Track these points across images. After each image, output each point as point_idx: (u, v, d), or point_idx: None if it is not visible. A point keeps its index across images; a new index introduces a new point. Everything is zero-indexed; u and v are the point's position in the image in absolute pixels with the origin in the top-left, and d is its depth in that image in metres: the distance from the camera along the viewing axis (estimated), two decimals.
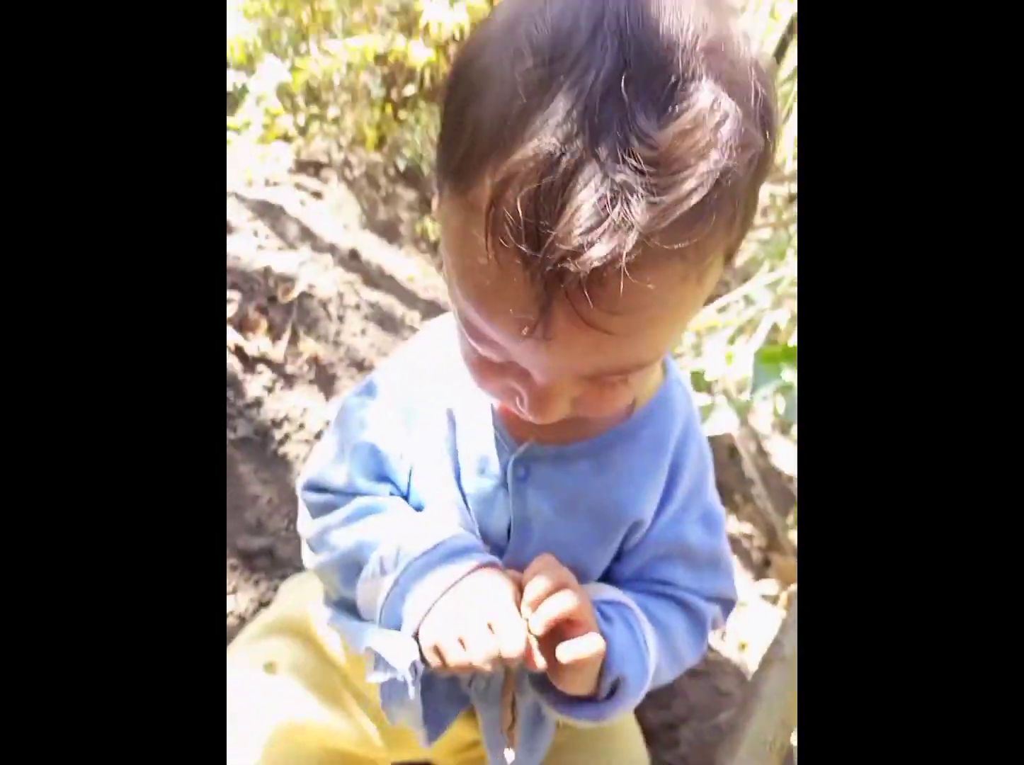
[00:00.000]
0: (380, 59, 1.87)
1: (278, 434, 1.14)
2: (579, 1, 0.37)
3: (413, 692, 0.50)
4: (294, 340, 1.25)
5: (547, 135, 0.35)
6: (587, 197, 0.35)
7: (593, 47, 0.35)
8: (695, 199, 0.36)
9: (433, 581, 0.52)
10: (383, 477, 0.62)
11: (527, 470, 0.57)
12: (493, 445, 0.58)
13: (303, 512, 0.66)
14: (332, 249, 1.53)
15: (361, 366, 1.31)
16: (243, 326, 1.21)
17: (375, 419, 0.61)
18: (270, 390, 1.18)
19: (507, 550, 0.59)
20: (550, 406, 0.46)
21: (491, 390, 0.51)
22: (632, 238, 0.35)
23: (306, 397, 1.21)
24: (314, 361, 1.25)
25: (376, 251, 1.69)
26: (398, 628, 0.53)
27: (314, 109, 2.01)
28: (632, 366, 0.44)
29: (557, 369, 0.44)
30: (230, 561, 0.98)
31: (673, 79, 0.35)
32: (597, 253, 0.35)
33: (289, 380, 1.22)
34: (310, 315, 1.30)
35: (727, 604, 0.66)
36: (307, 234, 1.53)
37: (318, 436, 1.16)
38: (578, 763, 0.71)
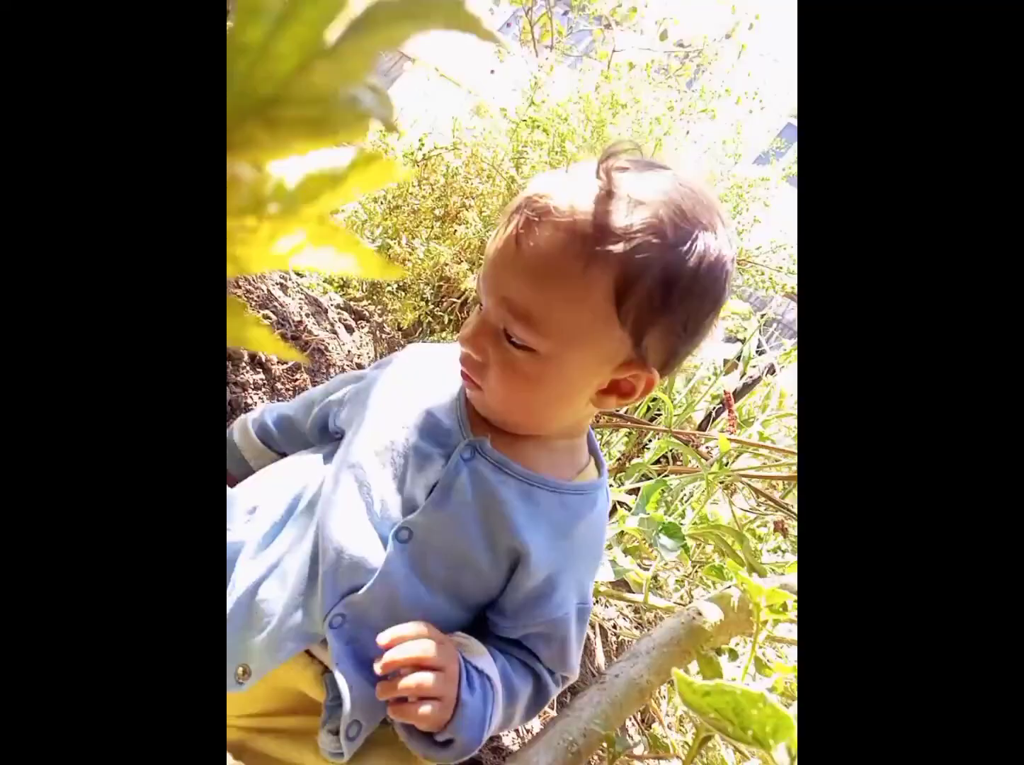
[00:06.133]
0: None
1: None
2: None
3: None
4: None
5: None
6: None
7: None
8: None
9: None
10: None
11: (473, 454, 0.66)
12: (456, 421, 0.69)
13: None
14: None
15: None
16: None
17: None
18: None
19: (420, 510, 0.65)
20: (477, 336, 0.61)
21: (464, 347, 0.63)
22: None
23: None
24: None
25: None
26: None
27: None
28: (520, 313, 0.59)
29: (495, 280, 0.60)
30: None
31: None
32: None
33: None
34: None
35: (567, 681, 0.72)
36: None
37: None
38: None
